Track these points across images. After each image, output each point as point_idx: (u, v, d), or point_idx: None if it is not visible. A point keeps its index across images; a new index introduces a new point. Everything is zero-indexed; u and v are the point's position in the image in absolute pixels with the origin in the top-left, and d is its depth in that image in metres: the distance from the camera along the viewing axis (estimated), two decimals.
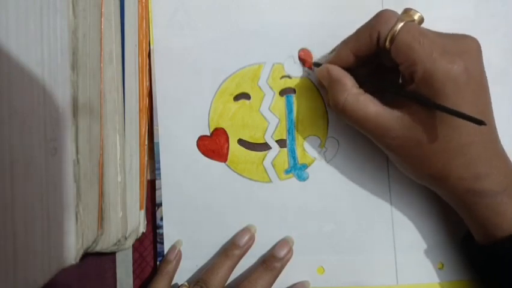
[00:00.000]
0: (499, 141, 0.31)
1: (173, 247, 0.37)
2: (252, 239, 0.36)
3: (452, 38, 0.30)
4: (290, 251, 0.36)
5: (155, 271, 0.37)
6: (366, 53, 0.32)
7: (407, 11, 0.31)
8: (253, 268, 0.37)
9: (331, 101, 0.33)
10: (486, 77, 0.30)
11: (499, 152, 0.31)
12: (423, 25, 0.31)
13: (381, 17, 0.31)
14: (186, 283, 0.35)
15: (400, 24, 0.30)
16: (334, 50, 0.35)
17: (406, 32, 0.29)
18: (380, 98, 0.32)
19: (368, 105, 0.31)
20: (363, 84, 0.33)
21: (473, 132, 0.29)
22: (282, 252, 0.36)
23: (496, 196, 0.29)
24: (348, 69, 0.33)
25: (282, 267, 0.36)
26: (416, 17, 0.31)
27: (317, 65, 0.36)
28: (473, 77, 0.29)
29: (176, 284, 0.37)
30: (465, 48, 0.29)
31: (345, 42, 0.33)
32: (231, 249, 0.36)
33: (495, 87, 0.31)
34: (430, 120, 0.29)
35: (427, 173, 0.31)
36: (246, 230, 0.37)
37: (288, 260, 0.36)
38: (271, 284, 0.35)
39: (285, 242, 0.36)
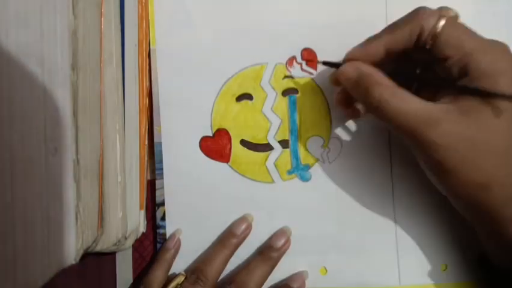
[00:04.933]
0: None
1: (172, 235, 0.37)
2: (248, 228, 0.36)
3: (487, 39, 0.29)
4: (288, 241, 0.36)
5: None
6: (401, 49, 0.30)
7: (444, 8, 0.30)
8: (250, 259, 0.36)
9: (362, 99, 0.30)
10: None
11: None
12: None
13: (422, 13, 0.29)
14: (183, 272, 0.35)
15: (443, 20, 0.28)
16: (347, 55, 0.32)
17: (453, 26, 0.28)
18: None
19: (408, 99, 0.28)
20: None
21: None
22: (280, 243, 0.35)
23: None
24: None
25: (279, 257, 0.36)
26: (453, 15, 0.30)
27: (332, 64, 0.34)
28: None
29: (173, 273, 0.37)
30: (503, 47, 0.28)
31: (376, 37, 0.31)
32: (228, 238, 0.36)
33: None
34: (486, 115, 0.27)
35: (471, 180, 0.27)
36: (243, 218, 0.37)
37: (285, 251, 0.36)
38: (268, 274, 0.35)
39: (282, 232, 0.36)
